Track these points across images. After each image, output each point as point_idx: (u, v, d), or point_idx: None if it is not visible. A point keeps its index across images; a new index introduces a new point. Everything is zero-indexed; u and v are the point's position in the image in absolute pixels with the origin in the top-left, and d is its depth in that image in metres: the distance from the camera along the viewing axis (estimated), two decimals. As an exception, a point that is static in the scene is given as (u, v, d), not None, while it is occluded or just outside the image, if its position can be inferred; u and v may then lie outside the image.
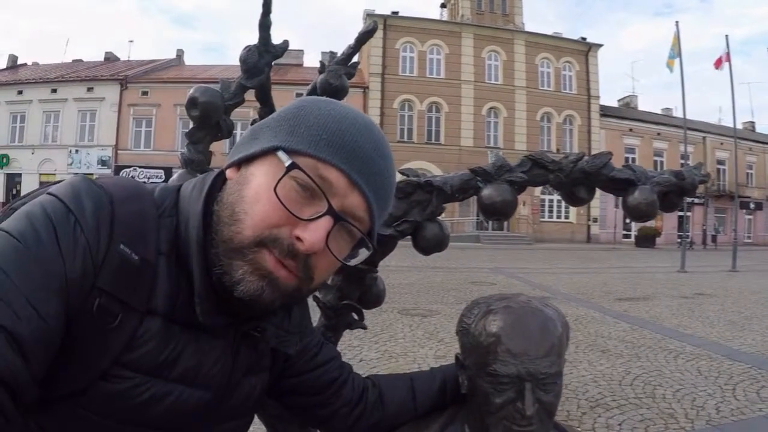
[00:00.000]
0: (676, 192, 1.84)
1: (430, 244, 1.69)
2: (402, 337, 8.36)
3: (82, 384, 0.90)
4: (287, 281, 0.95)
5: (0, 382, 0.76)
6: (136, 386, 0.93)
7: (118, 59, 51.68)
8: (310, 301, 1.32)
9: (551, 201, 45.90)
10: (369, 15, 43.11)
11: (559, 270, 21.58)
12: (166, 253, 0.98)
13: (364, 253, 1.05)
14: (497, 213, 1.69)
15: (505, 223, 43.51)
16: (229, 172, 1.03)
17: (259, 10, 1.98)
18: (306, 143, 0.93)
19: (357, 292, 1.77)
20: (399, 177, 1.69)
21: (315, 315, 1.62)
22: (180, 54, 52.64)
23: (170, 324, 0.97)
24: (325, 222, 0.92)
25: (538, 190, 43.88)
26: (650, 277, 19.79)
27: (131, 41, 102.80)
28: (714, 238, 48.65)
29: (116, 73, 43.94)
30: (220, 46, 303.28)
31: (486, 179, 1.69)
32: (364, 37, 2.07)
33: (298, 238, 0.92)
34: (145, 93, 42.97)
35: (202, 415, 1.05)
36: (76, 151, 42.33)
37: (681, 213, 33.76)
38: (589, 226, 47.13)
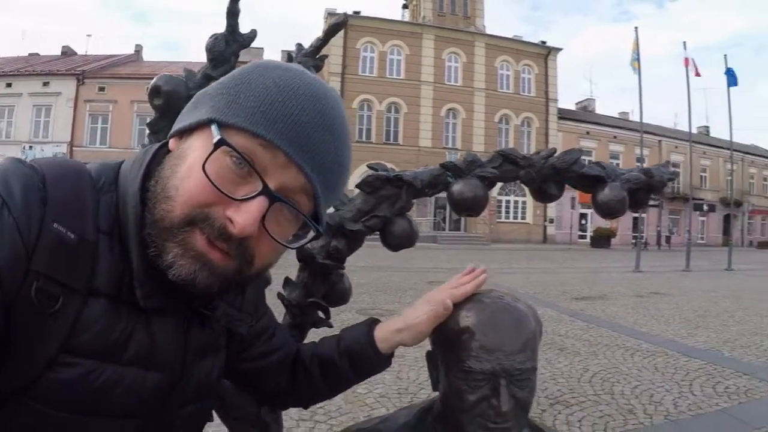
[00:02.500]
0: (644, 189, 1.83)
1: (399, 240, 1.66)
2: (361, 336, 8.26)
3: (30, 376, 0.84)
4: (223, 264, 0.90)
5: None
6: (88, 373, 0.87)
7: (75, 53, 50.72)
8: (273, 299, 1.28)
9: (508, 202, 46.51)
10: (330, 14, 43.10)
11: (516, 270, 21.83)
12: (108, 232, 0.92)
13: (310, 236, 1.01)
14: (468, 209, 1.66)
15: (463, 224, 43.86)
16: (171, 144, 0.97)
17: (220, 6, 1.93)
18: (241, 116, 0.87)
19: (323, 290, 1.73)
20: (368, 171, 1.66)
21: (279, 314, 1.59)
22: (138, 49, 51.87)
23: (117, 305, 0.91)
24: (259, 203, 0.87)
25: (495, 190, 44.13)
26: (606, 277, 20.15)
27: (89, 35, 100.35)
28: (668, 239, 49.82)
29: (73, 68, 43.16)
30: (179, 43, 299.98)
31: (457, 174, 1.67)
32: (333, 29, 2.03)
33: (231, 220, 0.87)
34: (102, 89, 42.17)
35: (161, 399, 0.99)
36: (30, 147, 41.19)
37: (636, 214, 34.34)
38: (545, 227, 47.79)
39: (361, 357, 1.36)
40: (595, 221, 49.15)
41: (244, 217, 0.86)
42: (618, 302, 13.27)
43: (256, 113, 0.87)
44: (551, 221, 47.76)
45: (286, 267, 1.49)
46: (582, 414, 5.47)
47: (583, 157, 1.79)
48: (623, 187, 1.77)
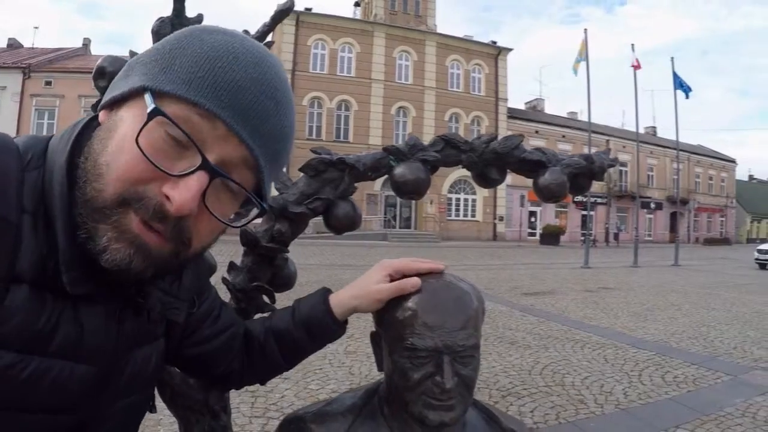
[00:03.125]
0: (585, 174, 1.87)
1: (343, 222, 1.67)
2: (312, 333, 8.24)
3: None
4: (159, 247, 0.83)
5: None
6: (11, 366, 0.79)
7: (21, 46, 49.11)
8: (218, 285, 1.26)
9: (458, 200, 46.86)
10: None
11: (467, 267, 21.99)
12: (32, 212, 0.84)
13: (253, 214, 0.96)
14: (410, 191, 1.68)
15: (413, 222, 44.05)
16: (101, 116, 0.90)
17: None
18: (177, 83, 0.80)
19: (268, 274, 1.72)
20: (311, 155, 1.66)
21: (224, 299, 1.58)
22: (86, 43, 50.34)
23: (41, 291, 0.83)
24: (199, 178, 0.80)
25: (445, 188, 44.60)
26: (555, 273, 20.49)
27: (36, 27, 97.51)
28: (616, 236, 50.96)
29: (19, 61, 41.55)
30: (128, 37, 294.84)
31: (399, 158, 1.68)
32: (279, 16, 2.02)
33: (167, 197, 0.80)
34: (48, 83, 40.51)
35: (93, 392, 0.92)
36: (-28, 143, 39.83)
37: (585, 212, 34.91)
38: (495, 225, 48.21)
39: (319, 325, 1.36)
40: (545, 219, 49.82)
41: (182, 194, 0.79)
42: (567, 297, 13.52)
43: (193, 79, 0.80)
44: (501, 219, 48.25)
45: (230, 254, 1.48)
46: (534, 405, 5.58)
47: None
48: (563, 172, 1.80)
